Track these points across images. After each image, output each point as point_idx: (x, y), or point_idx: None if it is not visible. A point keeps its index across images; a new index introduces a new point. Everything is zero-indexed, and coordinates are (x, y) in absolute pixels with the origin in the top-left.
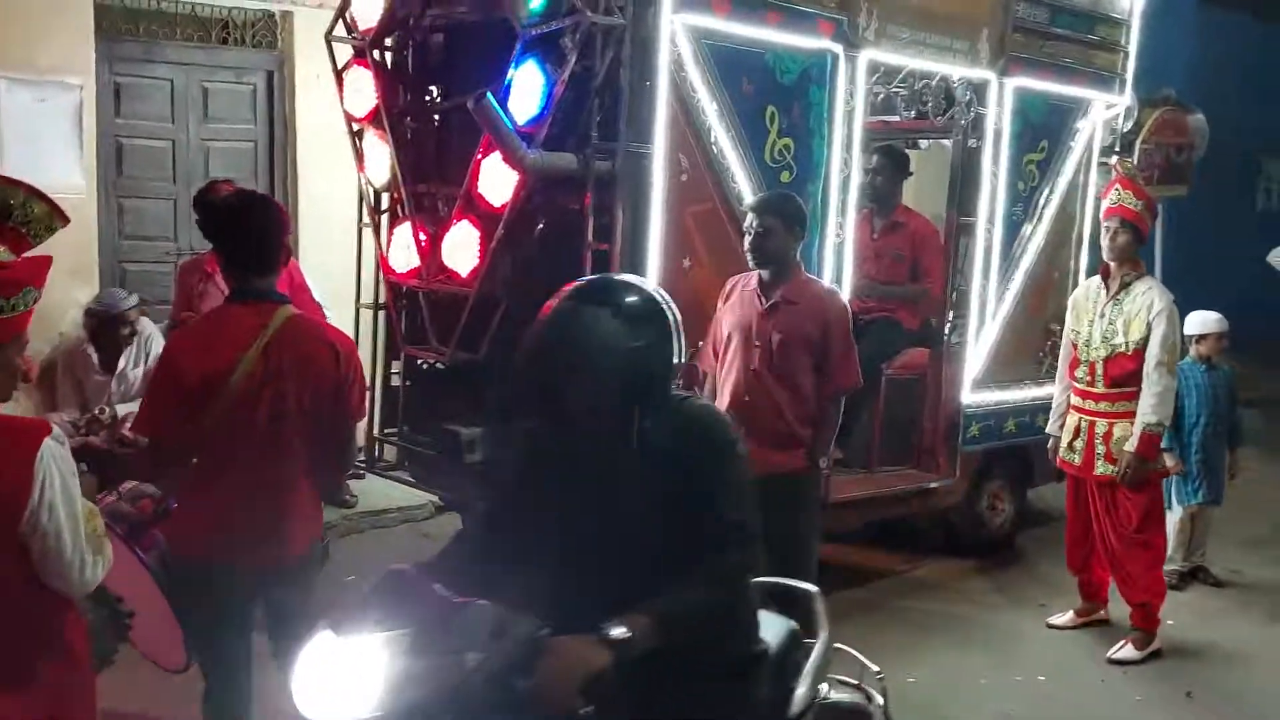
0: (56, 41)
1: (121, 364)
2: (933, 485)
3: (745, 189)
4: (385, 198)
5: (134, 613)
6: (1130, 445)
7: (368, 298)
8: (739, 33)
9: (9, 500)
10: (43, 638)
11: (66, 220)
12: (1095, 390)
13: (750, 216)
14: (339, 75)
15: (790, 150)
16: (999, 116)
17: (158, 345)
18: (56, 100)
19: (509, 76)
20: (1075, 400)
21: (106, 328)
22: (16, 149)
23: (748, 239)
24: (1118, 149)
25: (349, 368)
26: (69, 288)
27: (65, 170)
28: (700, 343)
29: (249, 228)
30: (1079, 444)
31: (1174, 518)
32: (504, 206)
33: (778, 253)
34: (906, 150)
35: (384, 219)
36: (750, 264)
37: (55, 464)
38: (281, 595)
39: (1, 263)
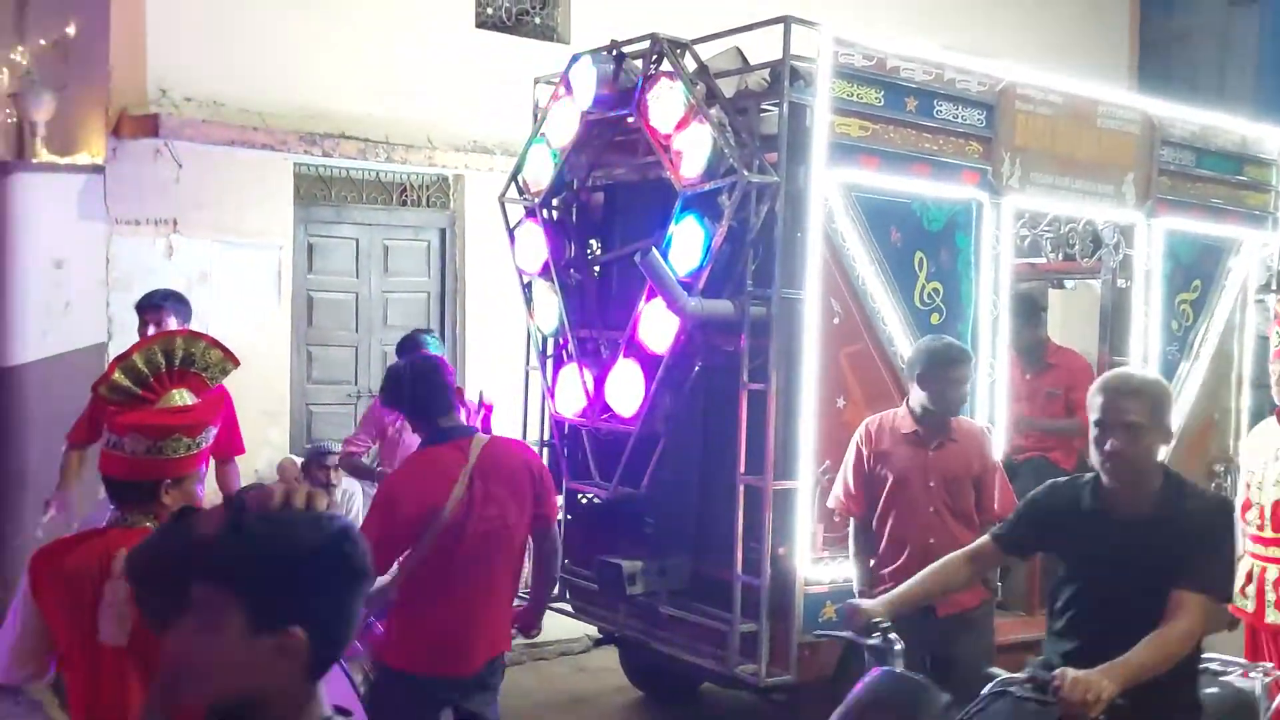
0: (262, 207)
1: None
2: None
3: (896, 331)
4: (550, 343)
5: None
6: None
7: (533, 435)
8: (887, 185)
9: None
10: None
11: (238, 363)
12: (1265, 535)
13: (958, 368)
14: (511, 232)
15: (939, 293)
16: (1148, 257)
17: (358, 503)
18: (259, 260)
19: (670, 231)
20: (1248, 545)
21: (311, 468)
22: (224, 303)
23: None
24: (1274, 287)
25: (544, 479)
26: (263, 427)
27: (265, 321)
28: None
29: (421, 387)
30: (1250, 590)
31: None
32: (665, 350)
33: (962, 400)
34: (1037, 294)
35: (550, 362)
36: (948, 411)
37: None
38: (477, 705)
39: (188, 406)
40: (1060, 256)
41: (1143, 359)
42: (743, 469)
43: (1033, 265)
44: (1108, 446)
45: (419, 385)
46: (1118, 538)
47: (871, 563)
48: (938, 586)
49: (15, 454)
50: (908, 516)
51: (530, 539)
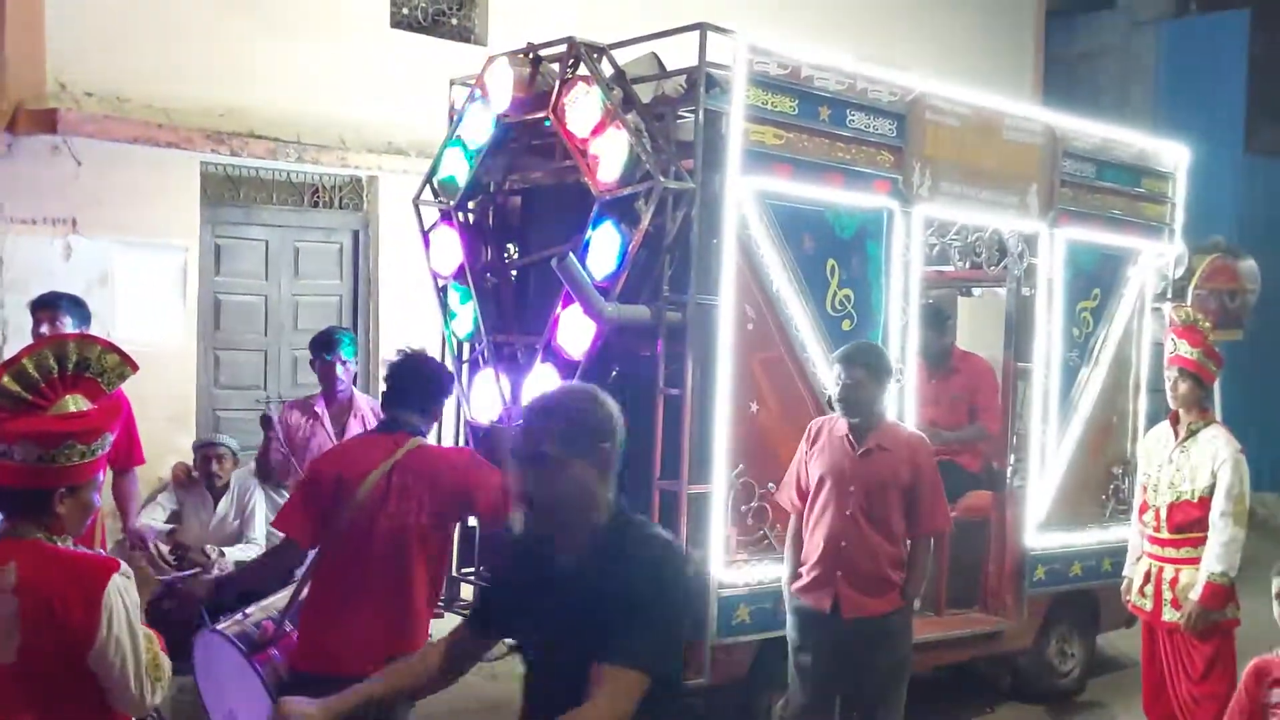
0: (166, 207)
1: (220, 511)
2: (1000, 628)
3: (808, 337)
4: (466, 347)
5: None
6: (1195, 594)
7: (448, 441)
8: (801, 193)
9: (80, 634)
10: None
11: (136, 368)
12: (1161, 536)
13: (838, 368)
14: (426, 235)
15: (850, 300)
16: (1051, 266)
17: (260, 504)
18: (163, 261)
19: (587, 236)
20: (1146, 545)
21: (197, 461)
22: (126, 305)
23: (836, 390)
24: (1170, 295)
25: (470, 478)
26: (169, 433)
27: (169, 324)
28: (770, 483)
29: (398, 375)
30: (1149, 589)
31: None
32: (582, 355)
33: (867, 402)
34: (945, 304)
35: (465, 367)
36: (839, 414)
37: (121, 599)
38: (387, 714)
39: (82, 411)
40: (968, 265)
41: (1045, 364)
42: (658, 473)
43: (941, 273)
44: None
45: (397, 373)
46: (551, 593)
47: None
48: (397, 681)
49: None
50: (826, 517)
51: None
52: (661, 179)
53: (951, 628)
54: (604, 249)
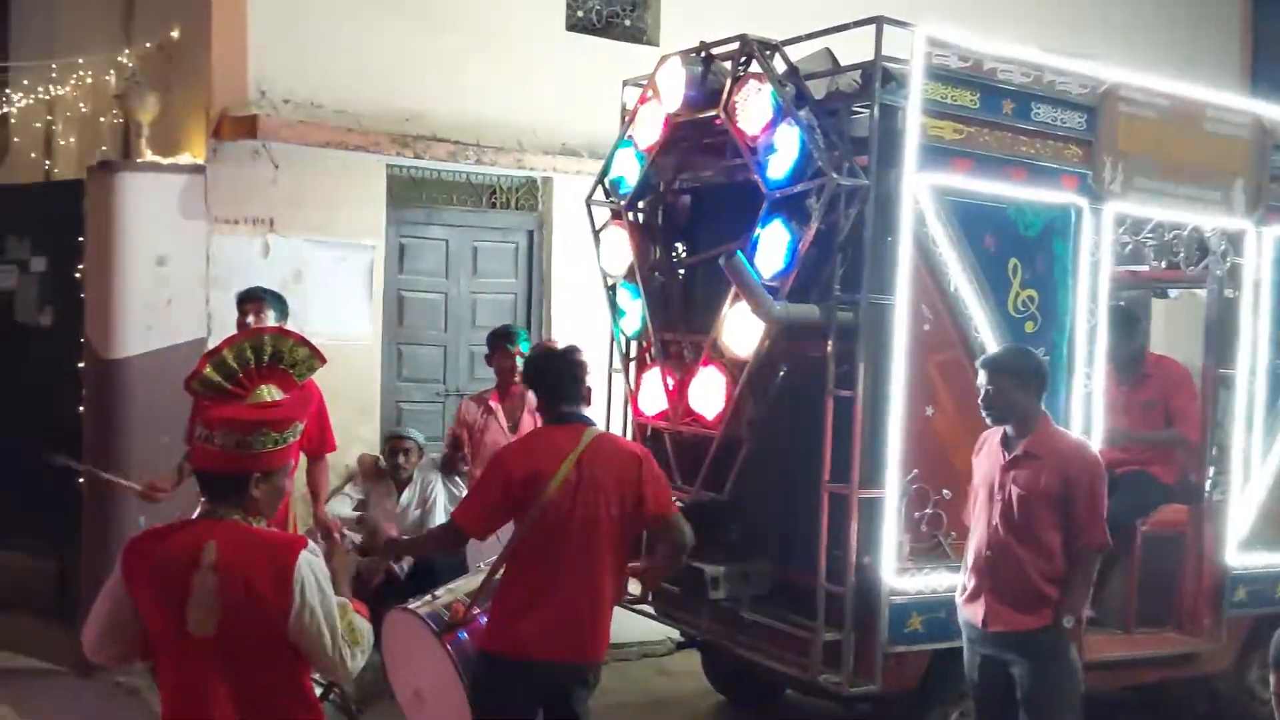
0: (355, 208)
1: (404, 501)
2: (1195, 650)
3: (989, 339)
4: (634, 345)
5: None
6: None
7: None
8: (981, 189)
9: (275, 608)
10: None
11: (324, 360)
12: None
13: (981, 373)
14: (597, 235)
15: (1034, 301)
16: (1258, 266)
17: (440, 495)
18: (352, 259)
19: (756, 234)
20: None
21: (385, 452)
22: (318, 301)
23: (979, 396)
24: None
25: (648, 475)
26: (355, 424)
27: (356, 320)
28: (945, 490)
29: (553, 371)
30: None
31: None
32: (749, 355)
33: (1011, 408)
34: (1137, 307)
35: (633, 365)
36: (986, 421)
37: (312, 571)
38: (569, 699)
39: (275, 401)
40: (1163, 265)
41: (1250, 371)
42: (828, 476)
43: (1134, 273)
44: None
45: (551, 368)
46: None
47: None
48: None
49: (120, 442)
50: (978, 527)
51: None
52: (834, 176)
53: (1141, 647)
54: (773, 247)
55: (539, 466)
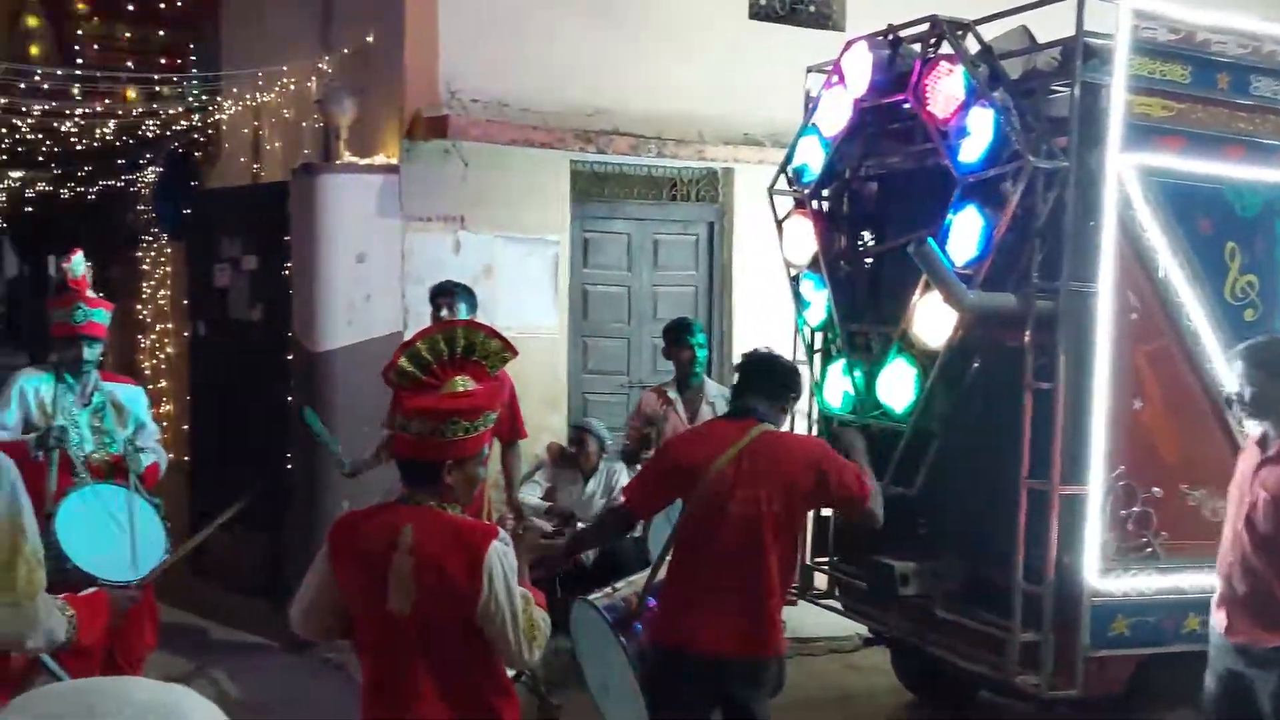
0: (541, 204)
1: (589, 490)
2: None
3: (1203, 328)
4: (819, 337)
5: (561, 705)
6: None
7: (799, 431)
8: (1193, 169)
9: (465, 592)
10: (482, 715)
11: (515, 353)
12: None
13: (1238, 365)
14: (780, 224)
15: (1254, 287)
16: None
17: (622, 479)
18: (538, 254)
19: (947, 220)
20: None
21: (574, 438)
22: (506, 295)
23: (1235, 390)
24: None
25: (829, 469)
26: (543, 414)
27: (543, 313)
28: (1155, 488)
29: (746, 367)
30: None
31: None
32: (941, 345)
33: (1271, 404)
34: None
35: (817, 357)
36: (1238, 417)
37: (501, 562)
38: (741, 696)
39: (468, 391)
40: None
41: None
42: (1026, 472)
43: None
44: None
45: (748, 365)
46: None
47: None
48: None
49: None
50: (1225, 528)
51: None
52: (1031, 158)
53: None
54: (966, 233)
55: (699, 455)
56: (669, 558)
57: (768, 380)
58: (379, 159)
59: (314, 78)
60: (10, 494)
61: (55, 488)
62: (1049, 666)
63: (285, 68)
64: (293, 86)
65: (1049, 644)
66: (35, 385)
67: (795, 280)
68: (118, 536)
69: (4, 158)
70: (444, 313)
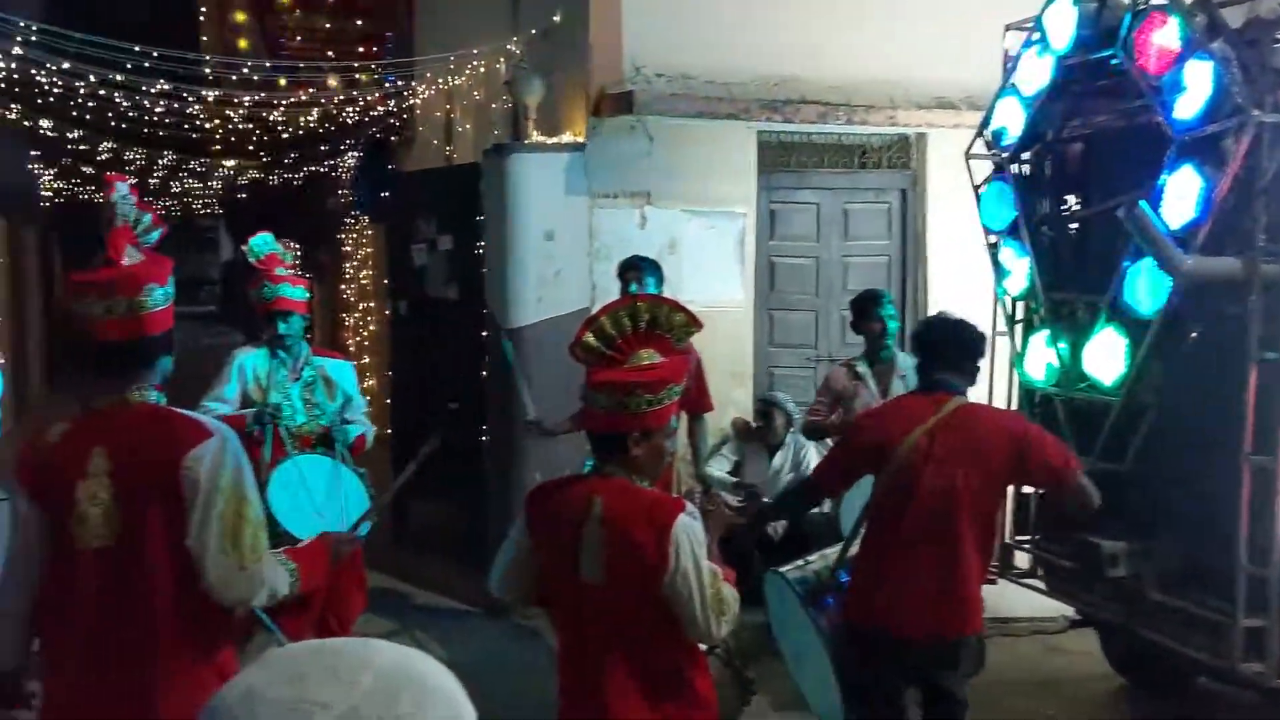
0: (726, 176)
1: (776, 464)
2: None
3: None
4: (1020, 306)
5: (755, 678)
6: None
7: (999, 404)
8: None
9: (652, 564)
10: (677, 685)
11: (700, 326)
12: None
13: None
14: (977, 190)
15: None
16: None
17: (813, 460)
18: (724, 227)
19: (1161, 181)
20: None
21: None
22: (691, 269)
23: None
24: None
25: (1031, 444)
26: (729, 387)
27: (728, 287)
28: None
29: (934, 337)
30: None
31: None
32: (1155, 314)
33: None
34: None
35: (1019, 327)
36: None
37: (688, 536)
38: (938, 676)
39: (653, 364)
40: None
41: None
42: (1249, 447)
43: None
44: None
45: (932, 335)
46: None
47: None
48: None
49: (518, 402)
50: None
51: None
52: (1255, 112)
53: None
54: (1182, 195)
55: (889, 432)
56: (861, 533)
57: (956, 349)
58: (566, 137)
59: (503, 60)
60: (235, 464)
61: (270, 458)
62: (1276, 654)
63: (475, 51)
64: (483, 69)
65: (1276, 630)
66: (251, 362)
67: (994, 248)
68: (326, 504)
69: (218, 148)
70: (633, 287)
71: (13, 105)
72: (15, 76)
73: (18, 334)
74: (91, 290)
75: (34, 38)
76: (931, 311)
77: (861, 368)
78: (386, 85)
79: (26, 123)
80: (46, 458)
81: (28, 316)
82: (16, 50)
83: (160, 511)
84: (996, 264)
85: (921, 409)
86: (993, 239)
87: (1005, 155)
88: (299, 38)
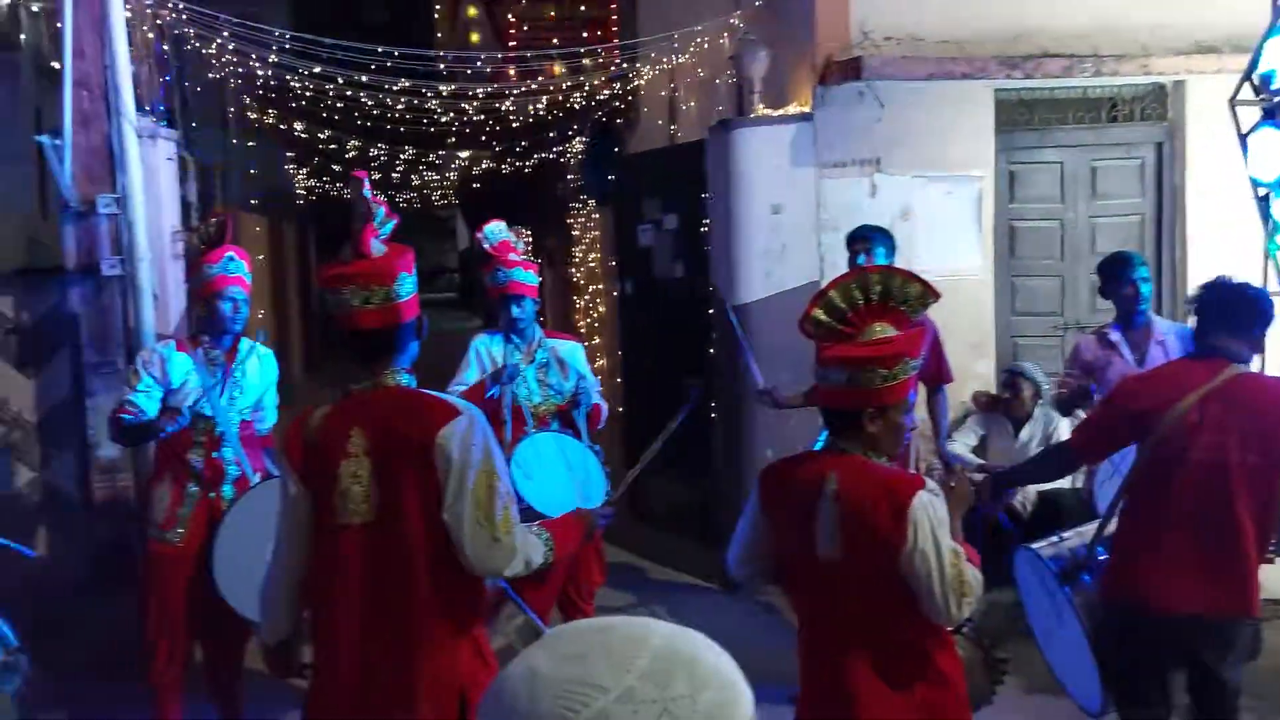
0: (961, 138)
1: (1023, 438)
2: None
3: None
4: None
5: (1008, 659)
6: None
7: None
8: None
9: (889, 541)
10: (919, 663)
11: (937, 296)
12: None
13: None
14: (1244, 139)
15: None
16: None
17: (1063, 434)
18: (960, 192)
19: None
20: None
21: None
22: (925, 237)
23: None
24: None
25: None
26: (969, 360)
27: (966, 254)
28: None
29: (1214, 299)
30: None
31: None
32: None
33: None
34: None
35: None
36: None
37: (927, 513)
38: (1209, 659)
39: (887, 338)
40: None
41: None
42: None
43: None
44: None
45: (1216, 296)
46: None
47: None
48: None
49: (745, 379)
50: None
51: None
52: None
53: None
54: None
55: (1157, 398)
56: (1120, 507)
57: (1236, 313)
58: (792, 109)
59: (726, 34)
60: (484, 441)
61: (510, 436)
62: None
63: (699, 28)
64: (706, 45)
65: None
66: (488, 346)
67: (1264, 200)
68: (565, 479)
69: (453, 140)
70: (862, 259)
71: (270, 110)
72: (272, 83)
73: (281, 326)
74: (349, 282)
75: (288, 45)
76: (1191, 272)
77: (1114, 335)
78: (612, 68)
79: (282, 126)
80: (311, 439)
81: (289, 309)
82: (273, 58)
83: (416, 487)
84: (1267, 218)
85: (1195, 375)
86: (1262, 191)
87: (1276, 100)
88: (526, 27)
